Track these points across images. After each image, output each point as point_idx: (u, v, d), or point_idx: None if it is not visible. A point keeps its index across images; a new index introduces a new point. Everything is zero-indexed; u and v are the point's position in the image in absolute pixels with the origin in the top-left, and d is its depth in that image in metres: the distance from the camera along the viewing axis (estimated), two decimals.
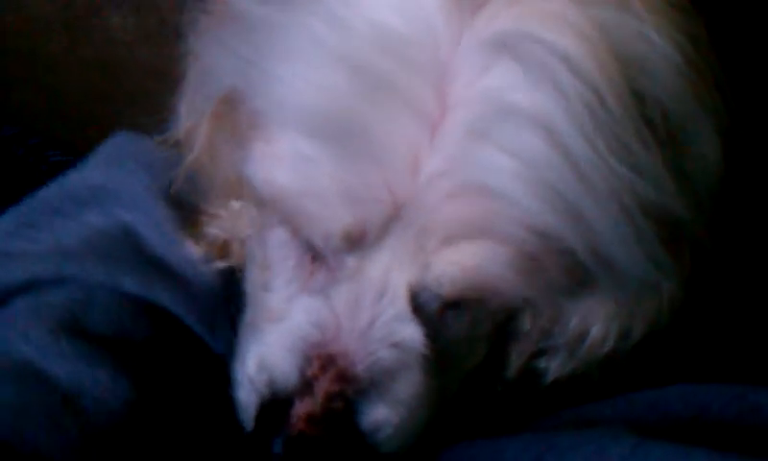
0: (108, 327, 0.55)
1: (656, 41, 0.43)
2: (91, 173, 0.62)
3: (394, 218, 0.45)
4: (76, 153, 0.90)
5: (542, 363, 0.56)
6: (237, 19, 0.48)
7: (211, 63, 0.51)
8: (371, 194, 0.44)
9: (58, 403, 0.49)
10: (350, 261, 0.48)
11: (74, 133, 1.04)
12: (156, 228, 0.59)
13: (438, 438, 0.53)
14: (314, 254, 0.50)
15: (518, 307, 0.53)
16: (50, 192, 0.62)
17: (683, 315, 0.54)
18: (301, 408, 0.47)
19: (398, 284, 0.47)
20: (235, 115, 0.52)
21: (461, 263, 0.44)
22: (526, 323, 0.55)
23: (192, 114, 0.56)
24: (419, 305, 0.48)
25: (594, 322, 0.53)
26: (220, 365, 0.54)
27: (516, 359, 0.56)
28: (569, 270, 0.46)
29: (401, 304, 0.47)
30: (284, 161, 0.45)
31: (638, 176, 0.42)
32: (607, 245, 0.43)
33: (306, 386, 0.48)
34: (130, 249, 0.58)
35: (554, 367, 0.55)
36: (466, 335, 0.52)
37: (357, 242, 0.46)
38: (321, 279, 0.50)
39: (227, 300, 0.58)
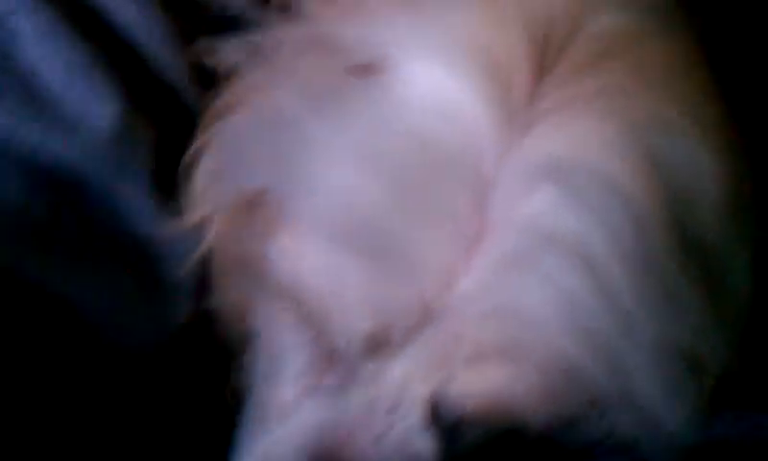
0: None
1: (704, 165, 0.41)
2: None
3: (421, 329, 0.43)
4: None
5: None
6: (274, 114, 0.46)
7: (239, 156, 0.49)
8: (399, 301, 0.42)
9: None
10: (369, 365, 0.45)
11: None
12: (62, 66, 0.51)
13: None
14: (329, 352, 0.47)
15: None
16: None
17: None
18: None
19: (417, 395, 0.45)
20: (262, 208, 0.49)
21: (486, 385, 0.43)
22: None
23: (208, 202, 0.53)
24: (436, 417, 0.46)
25: None
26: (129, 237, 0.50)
27: None
28: (592, 405, 0.45)
29: (418, 416, 0.45)
30: (311, 261, 0.43)
31: (680, 318, 0.41)
32: (638, 391, 0.42)
33: None
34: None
35: None
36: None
37: (379, 347, 0.44)
38: (335, 379, 0.47)
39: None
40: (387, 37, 0.43)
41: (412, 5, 0.44)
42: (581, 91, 0.40)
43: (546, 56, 0.41)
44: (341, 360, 0.46)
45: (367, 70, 0.43)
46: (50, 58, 0.49)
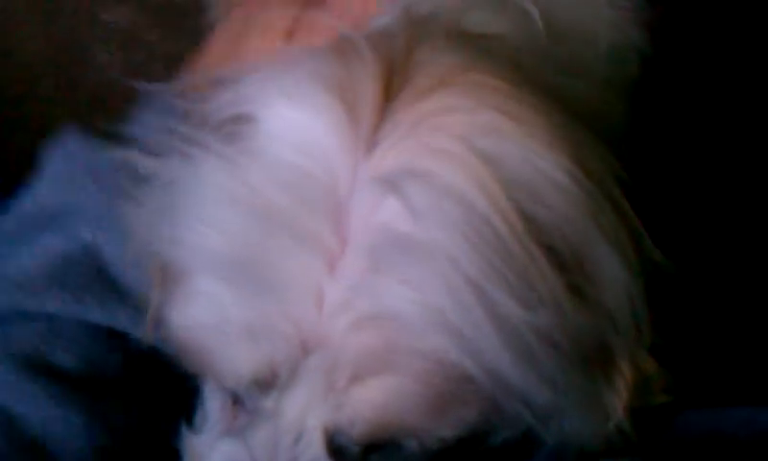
0: (77, 362, 0.55)
1: (543, 167, 0.43)
2: (46, 193, 0.62)
3: (303, 358, 0.44)
4: None
5: None
6: (141, 177, 0.49)
7: (127, 224, 0.52)
8: (276, 331, 0.43)
9: (26, 448, 0.49)
10: (267, 403, 0.46)
11: None
12: (116, 245, 0.58)
13: None
14: (235, 398, 0.50)
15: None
16: (6, 220, 0.62)
17: None
18: None
19: (314, 427, 0.46)
20: (168, 271, 0.51)
21: (370, 401, 0.44)
22: None
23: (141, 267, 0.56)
24: (337, 449, 0.47)
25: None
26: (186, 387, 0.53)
27: None
28: (487, 403, 0.45)
29: (318, 448, 0.46)
30: (194, 305, 0.46)
31: (527, 305, 0.42)
32: (500, 369, 0.43)
33: None
34: (92, 272, 0.58)
35: None
36: None
37: (268, 383, 0.45)
38: (241, 422, 0.49)
39: None
40: (251, 91, 0.47)
41: (275, 58, 0.49)
42: (421, 111, 0.44)
43: (391, 88, 0.45)
44: (243, 403, 0.49)
45: (234, 122, 0.47)
46: None
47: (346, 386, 0.44)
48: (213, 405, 0.52)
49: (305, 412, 0.45)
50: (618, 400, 0.49)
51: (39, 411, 0.51)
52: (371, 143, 0.44)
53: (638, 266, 0.47)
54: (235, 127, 0.46)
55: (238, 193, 0.44)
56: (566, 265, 0.44)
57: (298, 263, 0.43)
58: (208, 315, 0.45)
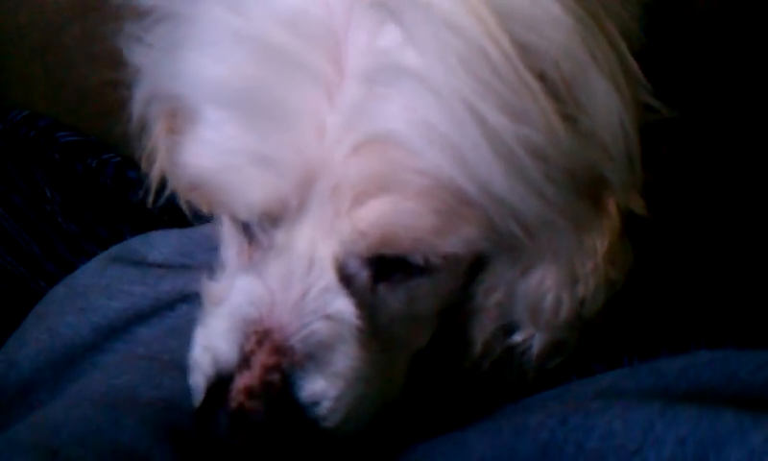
0: None
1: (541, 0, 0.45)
2: None
3: (309, 186, 0.46)
4: (84, 134, 0.90)
5: (518, 337, 0.56)
6: (149, 16, 0.52)
7: (139, 67, 0.55)
8: (281, 159, 0.45)
9: None
10: (279, 236, 0.49)
11: (90, 124, 1.05)
12: None
13: (407, 418, 0.53)
14: (250, 238, 0.52)
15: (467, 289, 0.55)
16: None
17: (639, 279, 0.55)
18: (240, 382, 0.48)
19: (324, 255, 0.49)
20: (176, 116, 0.54)
21: (367, 219, 0.46)
22: (481, 299, 0.56)
23: (148, 124, 0.59)
24: (348, 276, 0.50)
25: (546, 291, 0.54)
26: None
27: (477, 335, 0.57)
28: (485, 223, 0.47)
29: (330, 276, 0.49)
30: (203, 141, 0.48)
31: (518, 119, 0.44)
32: (493, 183, 0.45)
33: (245, 361, 0.49)
34: None
35: (524, 338, 0.56)
36: (405, 313, 0.53)
37: (280, 214, 0.48)
38: (257, 258, 0.52)
39: None
40: None
41: None
42: None
43: None
44: (257, 240, 0.51)
45: None
46: None
47: (349, 209, 0.46)
48: (230, 251, 0.54)
49: (315, 241, 0.48)
50: (601, 241, 0.51)
51: None
52: None
53: (633, 103, 0.48)
54: None
55: (239, 28, 0.46)
56: (559, 94, 0.46)
57: (298, 94, 0.45)
58: (217, 149, 0.47)
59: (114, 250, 0.71)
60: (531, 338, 0.56)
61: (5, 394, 0.63)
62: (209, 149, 0.47)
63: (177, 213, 0.85)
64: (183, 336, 0.58)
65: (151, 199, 0.64)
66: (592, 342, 0.57)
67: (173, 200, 0.84)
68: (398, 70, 0.44)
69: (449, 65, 0.43)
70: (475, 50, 0.43)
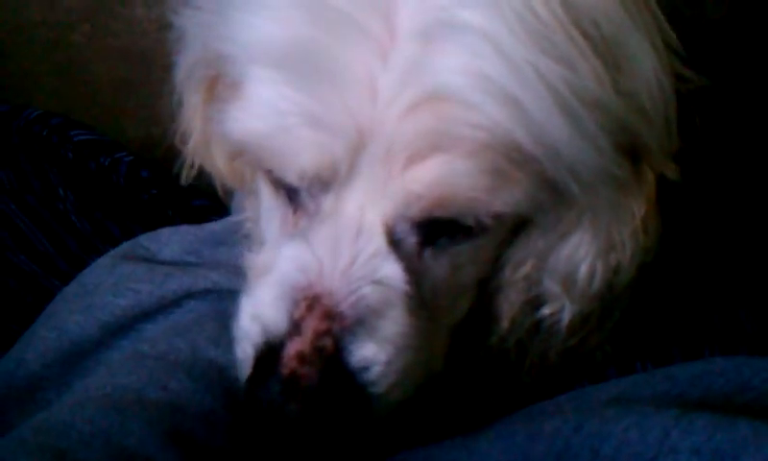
0: None
1: None
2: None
3: (361, 149, 0.46)
4: (97, 132, 0.90)
5: (546, 310, 0.56)
6: None
7: (185, 31, 0.54)
8: (333, 121, 0.45)
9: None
10: (327, 202, 0.49)
11: (100, 119, 1.06)
12: None
13: (445, 392, 0.53)
14: (295, 206, 0.52)
15: (501, 255, 0.55)
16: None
17: (670, 248, 0.55)
18: (292, 348, 0.48)
19: (373, 220, 0.48)
20: (218, 84, 0.54)
21: (423, 180, 0.46)
22: (509, 273, 0.56)
23: (186, 97, 0.58)
24: (396, 241, 0.49)
25: (580, 260, 0.53)
26: None
27: (505, 310, 0.57)
28: (536, 181, 0.47)
29: (379, 241, 0.48)
30: (253, 102, 0.47)
31: (572, 71, 0.44)
32: (550, 134, 0.45)
33: (295, 328, 0.48)
34: None
35: (553, 311, 0.56)
36: (448, 281, 0.52)
37: (329, 179, 0.47)
38: (303, 226, 0.51)
39: None
40: None
41: None
42: None
43: None
44: (304, 207, 0.51)
45: None
46: None
47: (401, 171, 0.46)
48: (273, 221, 0.54)
49: (364, 206, 0.48)
50: (638, 206, 0.51)
51: None
52: None
53: (670, 68, 0.48)
54: None
55: None
56: (602, 53, 0.45)
57: (350, 54, 0.44)
58: (268, 109, 0.46)
59: (124, 247, 0.71)
60: (560, 311, 0.55)
61: (13, 391, 0.63)
62: (260, 110, 0.47)
63: (187, 212, 0.86)
64: (189, 333, 0.58)
65: (184, 175, 0.63)
66: (611, 323, 0.57)
67: (185, 195, 0.85)
68: (455, 25, 0.44)
69: (506, 19, 0.43)
70: (527, 5, 0.44)
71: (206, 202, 0.86)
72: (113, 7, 1.20)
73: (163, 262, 0.69)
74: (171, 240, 0.71)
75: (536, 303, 0.56)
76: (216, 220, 0.74)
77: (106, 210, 0.83)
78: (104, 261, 0.69)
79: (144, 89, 1.15)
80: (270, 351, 0.49)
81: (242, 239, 0.65)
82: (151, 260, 0.69)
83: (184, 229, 0.72)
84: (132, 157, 0.87)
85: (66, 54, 1.19)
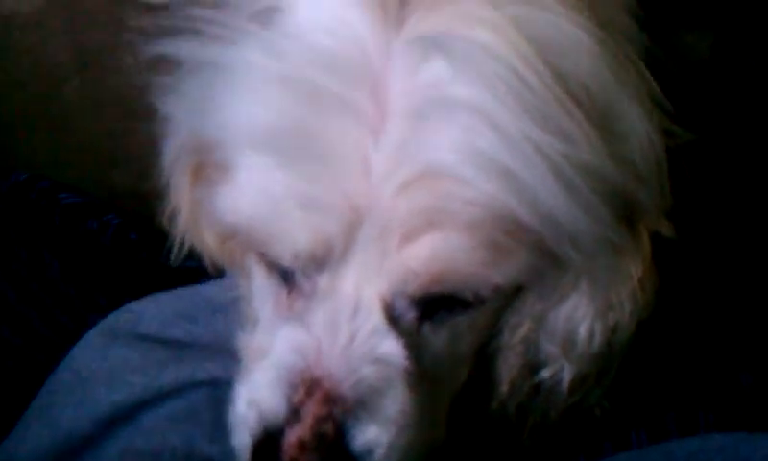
0: None
1: (567, 28, 0.45)
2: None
3: (356, 227, 0.45)
4: (86, 194, 0.90)
5: (545, 373, 0.56)
6: (185, 65, 0.50)
7: (171, 116, 0.54)
8: (327, 201, 0.45)
9: None
10: (322, 281, 0.48)
11: (92, 173, 1.05)
12: None
13: None
14: (290, 287, 0.51)
15: (498, 322, 0.55)
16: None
17: (666, 307, 0.55)
18: (292, 435, 0.47)
19: (371, 297, 0.48)
20: (206, 168, 0.54)
21: (419, 257, 0.45)
22: (507, 336, 0.55)
23: (173, 180, 0.58)
24: (395, 318, 0.49)
25: (578, 321, 0.53)
26: None
27: (504, 374, 0.56)
28: (533, 250, 0.47)
29: (377, 318, 0.48)
30: (244, 186, 0.47)
31: (566, 140, 0.44)
32: (548, 205, 0.44)
33: (295, 414, 0.48)
34: None
35: (552, 373, 0.56)
36: (447, 352, 0.52)
37: (324, 258, 0.47)
38: (298, 307, 0.50)
39: None
40: None
41: None
42: None
43: None
44: (299, 288, 0.50)
45: (266, 13, 0.48)
46: None
47: (398, 248, 0.45)
48: (267, 303, 0.53)
49: (361, 284, 0.47)
50: (636, 266, 0.51)
51: None
52: (399, 17, 0.45)
53: (659, 126, 0.49)
54: (268, 14, 0.48)
55: (279, 71, 0.45)
56: (594, 119, 0.45)
57: (341, 134, 0.44)
58: (260, 194, 0.46)
59: (113, 320, 0.70)
60: (560, 372, 0.55)
61: None
62: (251, 195, 0.46)
63: (179, 273, 0.85)
64: (185, 425, 0.56)
65: (173, 256, 0.63)
66: (608, 380, 0.57)
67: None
68: (447, 102, 0.44)
69: (498, 93, 0.43)
70: (518, 78, 0.43)
71: (199, 263, 0.85)
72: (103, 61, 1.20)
73: (156, 338, 0.67)
74: (165, 305, 0.70)
75: (535, 365, 0.56)
76: (209, 281, 0.73)
77: (93, 276, 0.82)
78: (95, 340, 0.68)
79: (134, 139, 1.14)
80: (268, 440, 0.48)
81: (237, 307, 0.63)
82: (145, 339, 0.68)
83: (179, 292, 0.71)
84: (120, 220, 0.86)
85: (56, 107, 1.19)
